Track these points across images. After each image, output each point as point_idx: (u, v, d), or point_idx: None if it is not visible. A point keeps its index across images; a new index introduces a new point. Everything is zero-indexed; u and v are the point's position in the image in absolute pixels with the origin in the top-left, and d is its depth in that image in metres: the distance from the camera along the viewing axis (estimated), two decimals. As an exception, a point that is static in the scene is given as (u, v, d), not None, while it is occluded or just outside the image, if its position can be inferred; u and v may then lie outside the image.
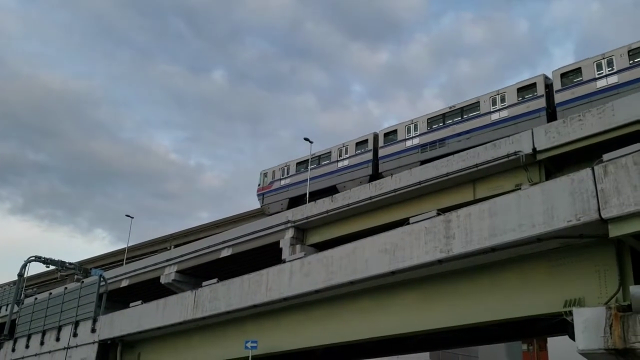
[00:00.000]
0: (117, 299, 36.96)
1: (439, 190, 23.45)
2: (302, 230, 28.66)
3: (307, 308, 18.52)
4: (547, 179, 18.83)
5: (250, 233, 30.72)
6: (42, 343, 30.19)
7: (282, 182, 36.90)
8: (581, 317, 11.41)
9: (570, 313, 11.71)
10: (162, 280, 35.08)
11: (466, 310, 14.46)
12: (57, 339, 29.03)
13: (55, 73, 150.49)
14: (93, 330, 26.76)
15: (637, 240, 11.33)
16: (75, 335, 27.92)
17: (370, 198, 25.23)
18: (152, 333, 23.87)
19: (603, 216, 11.13)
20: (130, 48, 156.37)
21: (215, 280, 21.72)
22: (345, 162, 33.48)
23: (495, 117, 27.01)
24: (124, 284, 38.21)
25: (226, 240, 31.90)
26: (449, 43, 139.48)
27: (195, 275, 33.60)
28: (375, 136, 31.88)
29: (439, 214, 14.69)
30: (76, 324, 28.14)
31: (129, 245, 44.28)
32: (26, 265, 37.49)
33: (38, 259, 36.83)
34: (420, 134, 29.86)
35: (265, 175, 38.47)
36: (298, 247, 27.80)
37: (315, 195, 32.73)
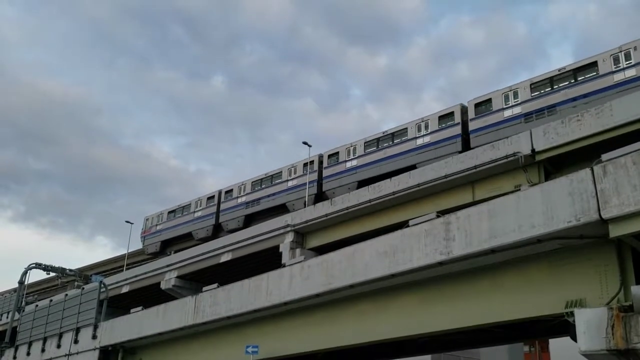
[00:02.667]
0: (117, 305, 36.91)
1: (438, 192, 23.43)
2: (301, 234, 28.61)
3: (307, 312, 18.46)
4: (546, 180, 18.80)
5: (249, 237, 30.68)
6: (43, 350, 30.12)
7: (158, 227, 44.30)
8: (583, 318, 11.36)
9: (572, 314, 11.66)
10: (163, 286, 35.01)
11: (467, 312, 14.41)
12: (58, 346, 28.97)
13: (55, 81, 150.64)
14: (94, 337, 26.70)
15: (638, 240, 11.28)
16: (76, 341, 27.85)
17: (370, 201, 25.19)
18: (153, 339, 23.82)
19: (603, 216, 11.09)
20: (130, 55, 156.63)
21: (215, 285, 21.67)
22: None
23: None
24: (125, 290, 38.15)
25: (226, 245, 31.84)
26: (448, 46, 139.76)
27: (196, 280, 33.56)
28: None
29: (438, 216, 14.65)
30: (77, 330, 28.09)
31: (129, 251, 44.17)
32: (27, 272, 37.42)
33: (38, 266, 36.76)
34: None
35: (147, 220, 45.45)
36: (298, 251, 27.74)
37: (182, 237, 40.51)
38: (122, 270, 41.32)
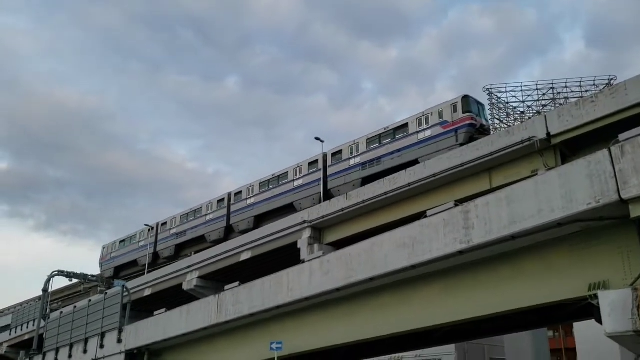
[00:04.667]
0: (141, 309, 37.31)
1: (454, 181, 23.35)
2: (318, 230, 28.68)
3: (329, 306, 18.53)
4: (563, 163, 18.65)
5: (267, 235, 30.83)
6: (70, 356, 30.55)
7: (112, 254, 49.84)
8: (607, 300, 11.26)
9: (596, 297, 11.56)
10: (185, 287, 35.32)
11: (489, 300, 14.37)
12: (85, 351, 29.35)
13: (69, 90, 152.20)
14: (119, 341, 27.01)
15: (659, 219, 11.16)
16: (102, 346, 28.19)
17: (385, 193, 25.18)
18: (177, 340, 24.04)
19: (623, 197, 10.98)
20: (142, 61, 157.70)
21: (237, 283, 21.82)
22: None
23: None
24: (147, 292, 38.54)
25: (245, 244, 32.04)
26: (458, 35, 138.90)
27: (217, 280, 33.80)
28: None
29: (456, 205, 14.60)
30: (102, 335, 28.43)
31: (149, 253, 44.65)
32: (50, 280, 37.93)
33: (61, 273, 37.23)
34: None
35: (104, 248, 51.26)
36: (316, 246, 27.82)
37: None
38: (144, 274, 41.74)
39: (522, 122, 35.37)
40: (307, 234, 28.44)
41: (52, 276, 37.78)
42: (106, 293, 31.56)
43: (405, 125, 29.93)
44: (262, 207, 36.25)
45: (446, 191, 23.40)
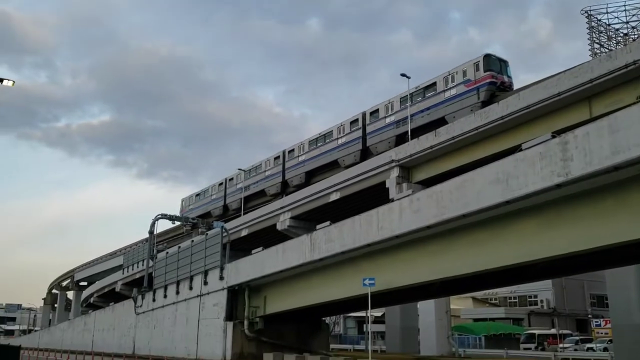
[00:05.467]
0: (239, 248, 39.31)
1: (550, 112, 22.17)
2: (407, 169, 28.47)
3: (419, 244, 18.62)
4: (674, 87, 17.14)
5: (355, 176, 31.05)
6: (177, 292, 33.04)
7: (190, 207, 54.72)
8: None
9: None
10: (278, 227, 36.69)
11: (589, 234, 13.83)
12: (190, 288, 31.61)
13: (161, 40, 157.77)
14: (221, 278, 28.79)
15: None
16: (205, 283, 30.21)
17: (477, 128, 24.40)
18: (274, 277, 25.25)
19: None
20: (226, 9, 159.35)
21: (328, 223, 22.36)
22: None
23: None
24: (244, 233, 40.45)
25: (334, 185, 32.51)
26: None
27: (309, 220, 34.74)
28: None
29: (553, 137, 13.94)
30: (205, 273, 30.40)
31: (244, 196, 46.49)
32: (154, 223, 40.71)
33: (164, 216, 39.77)
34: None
35: (183, 201, 56.82)
36: (404, 185, 27.71)
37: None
38: (240, 215, 43.65)
39: (625, 45, 32.61)
40: (395, 173, 28.33)
41: (156, 219, 40.49)
42: (207, 234, 33.41)
43: (434, 84, 30.92)
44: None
45: (543, 123, 22.29)
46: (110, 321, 42.13)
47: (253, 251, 27.37)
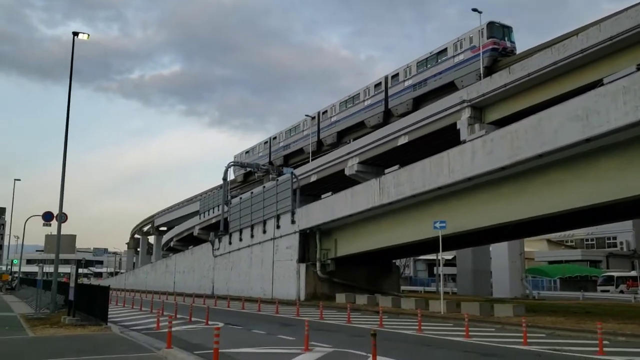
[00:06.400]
0: (309, 193, 40.03)
1: (635, 43, 20.61)
2: (479, 109, 27.55)
3: (492, 186, 18.24)
4: None
5: (424, 118, 30.41)
6: (252, 236, 34.28)
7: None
8: None
9: None
10: (347, 172, 36.84)
11: (678, 173, 13.05)
12: (264, 231, 32.69)
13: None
14: (293, 222, 29.56)
15: None
16: (278, 227, 31.14)
17: (554, 63, 23.11)
18: (344, 220, 25.62)
19: None
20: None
21: (396, 167, 22.24)
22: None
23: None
24: (313, 178, 40.96)
25: (402, 128, 32.04)
26: None
27: (376, 165, 34.66)
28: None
29: (638, 70, 13.04)
30: (278, 217, 31.29)
31: (311, 142, 46.80)
32: (227, 170, 41.92)
33: (236, 163, 40.90)
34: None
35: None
36: (477, 126, 26.89)
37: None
38: (309, 161, 44.12)
39: None
40: (466, 113, 27.49)
41: (229, 166, 41.72)
42: (277, 180, 34.13)
43: (445, 49, 33.20)
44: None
45: (626, 55, 20.78)
46: (190, 264, 44.46)
47: (322, 196, 27.79)
